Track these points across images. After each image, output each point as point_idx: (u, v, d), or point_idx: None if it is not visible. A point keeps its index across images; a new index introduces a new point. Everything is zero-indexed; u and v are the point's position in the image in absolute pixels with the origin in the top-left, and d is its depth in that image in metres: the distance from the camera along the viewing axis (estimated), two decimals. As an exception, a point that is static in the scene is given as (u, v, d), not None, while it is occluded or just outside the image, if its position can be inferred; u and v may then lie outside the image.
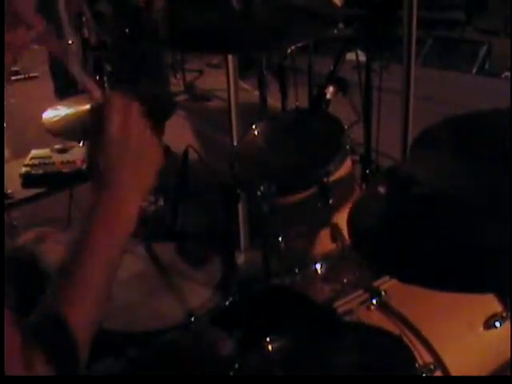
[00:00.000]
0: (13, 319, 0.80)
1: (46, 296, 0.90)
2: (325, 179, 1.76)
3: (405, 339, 1.46)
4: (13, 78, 4.86)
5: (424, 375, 1.39)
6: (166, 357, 1.49)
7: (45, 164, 2.63)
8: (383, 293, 1.61)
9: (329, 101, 2.10)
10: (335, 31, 2.01)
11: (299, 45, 2.64)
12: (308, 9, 1.99)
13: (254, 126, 2.00)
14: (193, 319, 1.58)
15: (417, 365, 1.38)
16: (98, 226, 0.92)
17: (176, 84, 5.15)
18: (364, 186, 2.14)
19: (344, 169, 1.84)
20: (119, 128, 0.96)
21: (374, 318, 1.56)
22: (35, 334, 0.84)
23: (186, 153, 2.13)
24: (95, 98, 1.00)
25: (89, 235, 0.92)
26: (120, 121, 0.96)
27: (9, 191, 2.48)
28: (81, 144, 2.70)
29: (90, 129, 0.98)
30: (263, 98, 2.40)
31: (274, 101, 2.56)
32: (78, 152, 2.70)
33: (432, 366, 1.43)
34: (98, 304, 0.91)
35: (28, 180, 2.58)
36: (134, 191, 0.97)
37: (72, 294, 0.89)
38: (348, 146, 1.86)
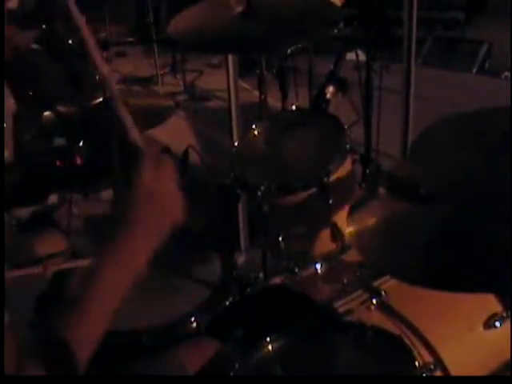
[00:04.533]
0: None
1: (52, 316, 0.93)
2: (325, 179, 1.76)
3: (405, 339, 1.46)
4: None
5: (424, 375, 1.39)
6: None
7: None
8: (383, 293, 1.61)
9: (329, 100, 2.10)
10: (335, 31, 2.01)
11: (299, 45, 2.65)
12: (308, 10, 1.99)
13: (253, 126, 2.00)
14: (193, 319, 1.58)
15: (417, 365, 1.38)
16: (107, 263, 0.96)
17: (176, 84, 5.16)
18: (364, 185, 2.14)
19: (344, 168, 1.84)
20: (152, 176, 0.99)
21: (374, 317, 1.56)
22: (34, 350, 0.88)
23: (186, 153, 2.13)
24: (103, 74, 1.02)
25: (98, 271, 0.95)
26: (154, 169, 0.99)
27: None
28: (81, 143, 2.69)
29: (121, 168, 1.01)
30: (263, 98, 2.40)
31: (274, 101, 2.56)
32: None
33: (432, 366, 1.43)
34: (98, 329, 0.94)
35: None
36: (149, 238, 0.99)
37: (75, 320, 0.92)
38: (348, 146, 1.86)
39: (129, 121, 1.04)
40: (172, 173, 1.02)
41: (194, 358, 1.46)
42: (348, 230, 1.43)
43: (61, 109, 2.34)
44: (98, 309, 0.94)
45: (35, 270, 1.61)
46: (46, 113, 2.34)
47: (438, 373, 1.45)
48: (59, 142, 2.55)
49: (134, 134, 1.03)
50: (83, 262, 1.71)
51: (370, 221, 1.42)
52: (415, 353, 1.43)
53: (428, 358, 1.47)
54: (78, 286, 0.95)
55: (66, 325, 0.91)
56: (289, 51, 2.67)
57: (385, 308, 1.58)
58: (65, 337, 0.89)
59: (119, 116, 1.04)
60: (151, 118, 2.32)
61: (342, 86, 2.12)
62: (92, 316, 0.93)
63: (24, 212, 2.66)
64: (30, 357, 0.86)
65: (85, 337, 0.92)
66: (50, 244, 1.91)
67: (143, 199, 0.98)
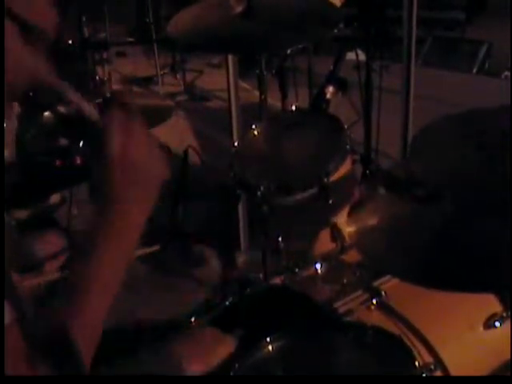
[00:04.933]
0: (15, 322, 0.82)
1: (52, 304, 0.93)
2: (325, 179, 1.76)
3: (405, 339, 1.46)
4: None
5: (424, 375, 1.39)
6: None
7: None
8: (383, 293, 1.61)
9: (329, 100, 2.10)
10: (335, 31, 2.01)
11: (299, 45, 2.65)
12: (308, 10, 1.99)
13: (253, 126, 2.00)
14: (193, 319, 1.58)
15: (417, 365, 1.38)
16: (102, 238, 0.94)
17: (176, 84, 5.16)
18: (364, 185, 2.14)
19: (344, 168, 1.84)
20: (121, 144, 0.96)
21: (374, 318, 1.56)
22: (36, 339, 0.86)
23: (186, 153, 2.13)
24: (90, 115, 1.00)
25: (94, 248, 0.93)
26: (122, 136, 0.97)
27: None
28: (81, 144, 2.69)
29: (93, 145, 0.99)
30: (263, 98, 2.40)
31: (273, 101, 2.56)
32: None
33: (432, 366, 1.43)
34: (101, 312, 0.93)
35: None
36: (138, 204, 0.98)
37: (77, 306, 0.91)
38: (348, 146, 1.86)
39: (75, 96, 1.00)
40: (142, 134, 0.99)
41: (195, 352, 1.45)
42: (348, 229, 1.43)
43: (61, 109, 2.33)
44: (99, 289, 0.93)
45: (46, 277, 1.62)
46: (46, 113, 2.33)
47: (438, 373, 1.45)
48: (63, 141, 2.56)
49: (86, 108, 1.00)
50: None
51: (370, 220, 1.42)
52: (415, 353, 1.43)
53: (428, 358, 1.47)
54: (76, 269, 0.94)
55: (68, 312, 0.90)
56: (288, 51, 2.67)
57: (385, 308, 1.58)
58: (68, 325, 0.88)
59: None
60: (151, 117, 2.32)
61: (341, 85, 2.12)
62: (93, 297, 0.92)
63: (24, 212, 2.66)
64: (37, 353, 0.86)
65: (88, 322, 0.91)
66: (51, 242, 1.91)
67: (120, 171, 0.96)
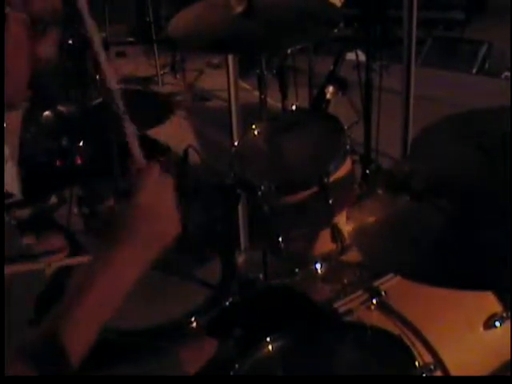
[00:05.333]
0: None
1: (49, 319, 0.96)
2: (325, 179, 1.76)
3: (405, 339, 1.46)
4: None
5: (424, 375, 1.39)
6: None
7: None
8: (383, 293, 1.61)
9: (329, 100, 2.10)
10: (335, 31, 2.01)
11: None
12: (308, 10, 1.99)
13: (253, 126, 2.00)
14: (193, 319, 1.58)
15: (417, 365, 1.38)
16: (98, 274, 0.99)
17: (176, 84, 5.16)
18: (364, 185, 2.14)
19: (344, 169, 1.84)
20: (151, 196, 1.03)
21: (374, 318, 1.56)
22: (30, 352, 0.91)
23: (186, 153, 2.13)
24: (110, 88, 1.04)
25: (89, 280, 0.98)
26: (154, 190, 1.03)
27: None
28: (81, 143, 2.69)
29: (123, 188, 1.05)
30: (263, 98, 2.40)
31: (274, 101, 2.56)
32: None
33: (432, 366, 1.43)
34: (88, 335, 0.98)
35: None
36: (140, 255, 1.03)
37: (65, 326, 0.95)
38: (348, 146, 1.86)
39: (134, 143, 1.06)
40: (171, 193, 1.06)
41: (194, 357, 1.46)
42: (347, 228, 1.43)
43: (61, 108, 2.34)
44: (87, 317, 0.97)
45: (37, 265, 1.61)
46: (46, 112, 2.34)
47: (438, 373, 1.45)
48: (63, 141, 2.56)
49: (137, 153, 1.06)
50: (84, 259, 1.72)
51: (370, 219, 1.42)
52: (415, 353, 1.43)
53: (428, 358, 1.47)
54: (70, 293, 0.98)
55: (58, 329, 0.94)
56: (289, 51, 2.67)
57: (385, 308, 1.59)
58: (57, 339, 0.92)
59: (125, 133, 1.06)
60: (151, 117, 2.32)
61: (341, 85, 2.12)
62: (80, 323, 0.96)
63: (24, 212, 2.66)
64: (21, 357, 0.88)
65: (75, 342, 0.95)
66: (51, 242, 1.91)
67: (139, 217, 1.02)
